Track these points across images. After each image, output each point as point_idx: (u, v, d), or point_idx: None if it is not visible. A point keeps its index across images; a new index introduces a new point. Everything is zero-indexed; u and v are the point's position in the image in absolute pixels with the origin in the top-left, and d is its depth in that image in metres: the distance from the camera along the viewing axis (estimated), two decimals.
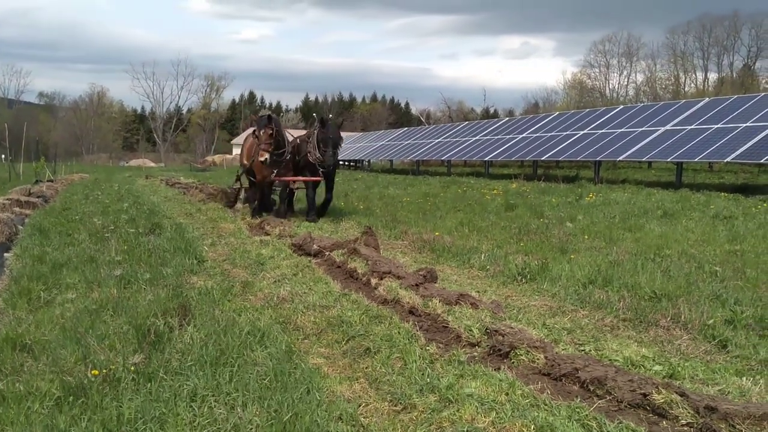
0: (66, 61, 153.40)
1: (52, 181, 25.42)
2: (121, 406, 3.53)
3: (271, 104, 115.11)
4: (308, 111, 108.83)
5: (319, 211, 12.88)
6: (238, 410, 3.48)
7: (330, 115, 13.04)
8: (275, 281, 6.85)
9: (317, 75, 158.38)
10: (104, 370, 3.98)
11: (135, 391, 3.77)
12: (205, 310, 5.42)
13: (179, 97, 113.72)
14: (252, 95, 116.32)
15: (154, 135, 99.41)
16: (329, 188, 12.90)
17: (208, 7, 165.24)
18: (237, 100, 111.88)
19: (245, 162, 13.85)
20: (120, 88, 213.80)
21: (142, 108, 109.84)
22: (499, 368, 4.22)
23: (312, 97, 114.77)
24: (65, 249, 8.61)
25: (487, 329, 4.91)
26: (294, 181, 13.25)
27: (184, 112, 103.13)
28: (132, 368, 4.06)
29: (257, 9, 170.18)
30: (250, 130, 14.49)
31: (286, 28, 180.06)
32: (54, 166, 33.84)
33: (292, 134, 14.07)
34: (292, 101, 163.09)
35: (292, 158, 12.78)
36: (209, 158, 66.96)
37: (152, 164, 69.78)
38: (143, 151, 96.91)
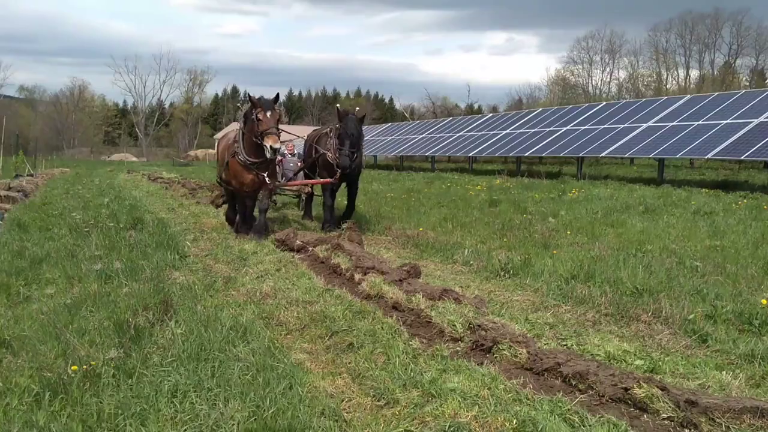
0: (46, 54, 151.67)
1: (32, 175, 25.12)
2: (101, 402, 3.50)
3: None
4: (292, 106, 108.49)
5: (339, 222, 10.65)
6: (220, 406, 3.46)
7: (356, 109, 11.43)
8: (258, 277, 6.83)
9: (301, 70, 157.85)
10: (84, 366, 3.95)
11: (115, 386, 3.74)
12: (187, 306, 5.39)
13: (161, 92, 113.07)
14: (235, 90, 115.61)
15: (136, 129, 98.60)
16: (351, 195, 10.90)
17: (189, 0, 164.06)
18: (220, 95, 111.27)
19: (221, 165, 10.62)
20: (101, 82, 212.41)
21: (124, 102, 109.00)
22: (481, 363, 4.23)
23: (296, 92, 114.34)
24: (45, 244, 8.52)
25: (470, 324, 4.92)
26: (306, 185, 11.74)
27: (167, 106, 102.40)
28: (112, 364, 4.03)
29: (241, 2, 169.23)
30: (229, 128, 13.32)
31: (271, 22, 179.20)
32: (34, 161, 33.47)
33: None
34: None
35: (307, 157, 11.30)
36: (192, 153, 66.54)
37: (134, 159, 69.26)
38: (125, 145, 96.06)
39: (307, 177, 11.65)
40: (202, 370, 3.93)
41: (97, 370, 3.92)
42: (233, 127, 11.96)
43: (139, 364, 4.04)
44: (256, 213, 9.84)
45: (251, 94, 8.91)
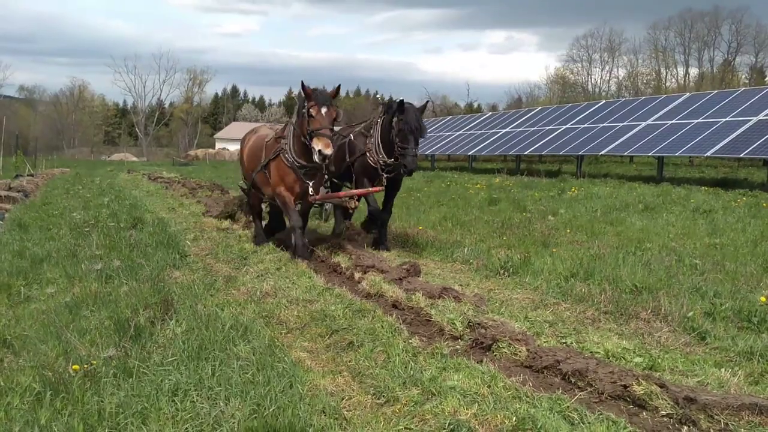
0: (46, 54, 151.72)
1: (32, 175, 25.12)
2: (102, 401, 3.51)
3: (254, 98, 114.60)
4: (291, 105, 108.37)
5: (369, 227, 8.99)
6: (221, 404, 3.47)
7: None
8: (258, 276, 6.84)
9: (301, 69, 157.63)
10: (85, 365, 3.96)
11: (116, 385, 3.75)
12: (188, 305, 5.39)
13: (161, 91, 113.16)
14: (235, 89, 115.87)
15: (136, 129, 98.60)
16: (388, 199, 8.84)
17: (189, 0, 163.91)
18: (220, 94, 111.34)
19: (248, 170, 8.85)
20: (101, 82, 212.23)
21: (124, 102, 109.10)
22: (481, 361, 4.24)
23: (295, 92, 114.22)
24: (46, 244, 8.53)
25: (469, 322, 4.93)
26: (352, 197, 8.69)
27: (167, 106, 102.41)
28: (113, 363, 4.05)
29: (240, 2, 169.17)
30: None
31: (270, 22, 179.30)
32: (34, 161, 33.49)
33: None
34: (275, 96, 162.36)
35: (340, 160, 8.83)
36: (192, 152, 66.54)
37: (134, 158, 69.28)
38: (125, 145, 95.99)
39: (333, 186, 9.38)
40: (203, 368, 3.94)
41: (97, 370, 3.93)
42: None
43: (140, 363, 4.04)
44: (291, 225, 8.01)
45: (305, 84, 7.34)
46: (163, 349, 4.38)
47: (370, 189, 8.40)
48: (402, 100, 7.97)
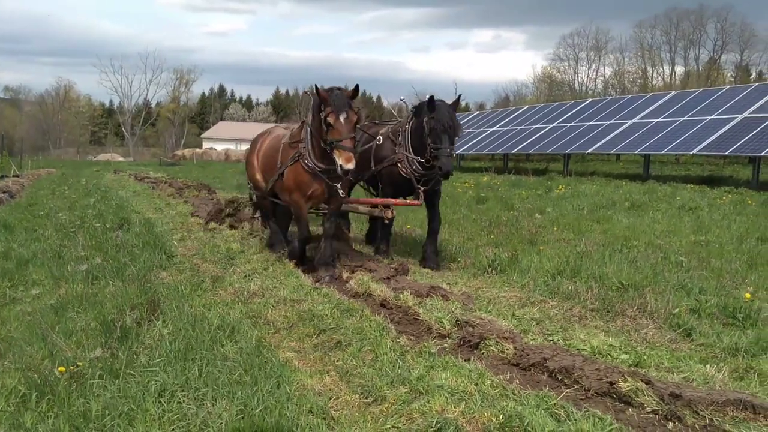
0: (31, 54, 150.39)
1: (18, 176, 24.93)
2: (88, 403, 3.50)
3: (241, 98, 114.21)
4: (279, 104, 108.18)
5: (429, 249, 7.77)
6: (208, 405, 3.47)
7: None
8: (246, 276, 6.82)
9: (288, 68, 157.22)
10: (71, 367, 3.94)
11: (102, 387, 3.73)
12: (174, 306, 5.37)
13: (148, 91, 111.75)
14: (222, 89, 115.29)
15: (123, 129, 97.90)
16: (433, 210, 7.85)
17: None
18: (207, 94, 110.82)
19: (259, 177, 8.16)
20: (87, 82, 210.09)
21: (110, 102, 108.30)
22: (469, 359, 4.25)
23: (283, 91, 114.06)
24: (31, 245, 8.48)
25: (457, 321, 4.95)
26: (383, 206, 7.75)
27: (153, 105, 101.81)
28: (99, 364, 4.03)
29: (228, 1, 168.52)
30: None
31: (258, 21, 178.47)
32: (20, 161, 33.23)
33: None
34: (262, 95, 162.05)
35: (364, 167, 7.89)
36: (179, 152, 66.21)
37: (121, 159, 68.87)
38: (111, 145, 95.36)
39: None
40: (190, 369, 3.92)
41: (83, 371, 3.91)
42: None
43: (126, 365, 4.03)
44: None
45: (318, 86, 6.57)
46: (149, 350, 4.37)
47: (409, 201, 7.70)
48: (432, 97, 7.19)
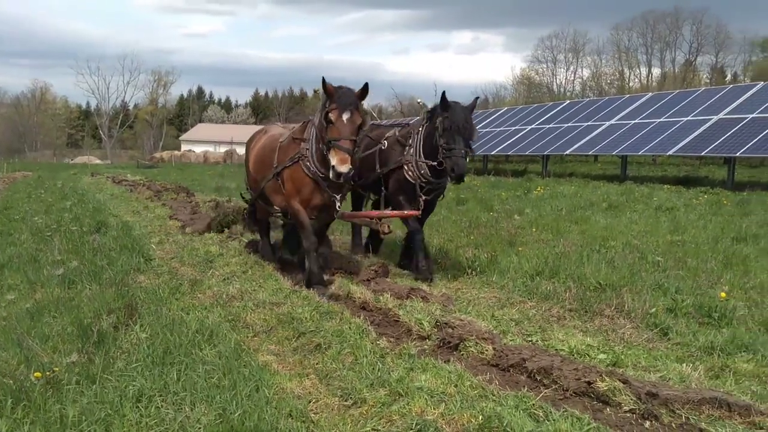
0: (6, 56, 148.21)
1: None
2: (64, 409, 3.45)
3: (220, 99, 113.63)
4: (258, 106, 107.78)
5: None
6: (186, 410, 3.44)
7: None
8: (224, 279, 6.78)
9: (268, 70, 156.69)
10: (47, 372, 3.89)
11: (79, 392, 3.69)
12: (152, 309, 5.33)
13: (125, 93, 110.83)
14: (201, 90, 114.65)
15: (100, 131, 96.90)
16: (424, 219, 7.56)
17: (153, 0, 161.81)
18: (185, 96, 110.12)
19: (256, 177, 7.51)
20: (64, 84, 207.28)
21: (87, 104, 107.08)
22: (448, 360, 4.26)
23: (262, 93, 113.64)
24: (6, 249, 8.37)
25: (437, 322, 4.97)
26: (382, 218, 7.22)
27: (131, 107, 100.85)
28: (76, 370, 3.98)
29: (207, 2, 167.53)
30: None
31: (237, 23, 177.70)
32: None
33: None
34: (241, 97, 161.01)
35: (368, 169, 7.42)
36: (157, 155, 65.67)
37: (98, 161, 68.12)
38: (89, 148, 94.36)
39: (356, 202, 8.34)
40: (168, 374, 3.89)
41: (60, 377, 3.87)
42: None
43: (103, 370, 3.99)
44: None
45: (327, 81, 5.98)
46: (127, 354, 4.32)
47: (405, 212, 7.04)
48: (444, 95, 6.70)
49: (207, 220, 10.43)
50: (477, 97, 7.47)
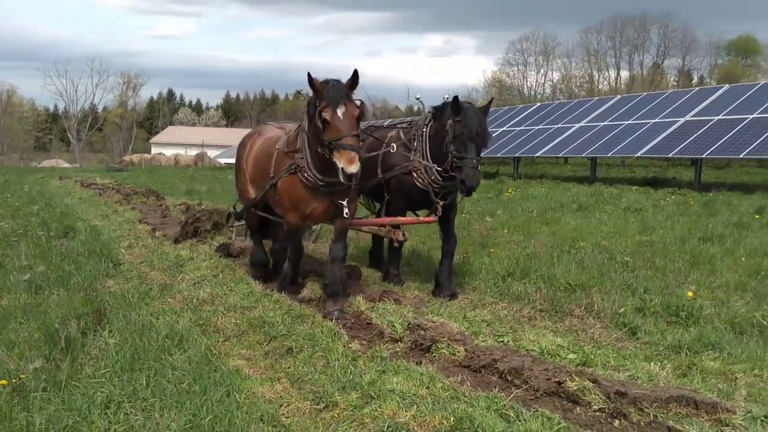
0: None
1: None
2: (31, 416, 3.40)
3: (191, 102, 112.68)
4: (230, 108, 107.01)
5: (443, 273, 6.54)
6: (156, 416, 3.41)
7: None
8: (195, 283, 6.71)
9: (239, 72, 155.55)
10: (13, 380, 3.83)
11: (46, 399, 3.63)
12: (121, 315, 5.26)
13: (94, 96, 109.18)
14: (171, 93, 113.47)
15: (68, 135, 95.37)
16: (448, 227, 6.72)
17: (123, 1, 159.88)
18: (155, 98, 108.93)
19: (251, 189, 6.95)
20: (31, 86, 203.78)
21: (55, 107, 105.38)
22: (420, 362, 4.27)
23: (233, 95, 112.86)
24: None
25: (409, 324, 4.97)
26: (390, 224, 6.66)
27: (100, 110, 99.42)
28: (43, 376, 3.92)
29: (174, 3, 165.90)
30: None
31: (207, 24, 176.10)
32: None
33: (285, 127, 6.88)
34: (213, 99, 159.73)
35: (369, 174, 6.61)
36: (127, 158, 64.86)
37: (66, 165, 67.10)
38: (57, 151, 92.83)
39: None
40: (137, 379, 3.85)
41: (26, 383, 3.80)
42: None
43: (71, 376, 3.93)
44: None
45: (313, 76, 5.43)
46: (95, 360, 4.27)
47: (422, 219, 6.68)
48: (456, 97, 6.07)
49: (179, 227, 10.02)
50: (492, 98, 7.15)
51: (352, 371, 4.08)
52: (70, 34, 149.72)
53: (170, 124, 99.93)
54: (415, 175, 6.42)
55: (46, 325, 4.89)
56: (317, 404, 3.71)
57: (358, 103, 5.48)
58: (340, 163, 5.19)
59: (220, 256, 7.99)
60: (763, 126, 17.12)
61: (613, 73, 73.51)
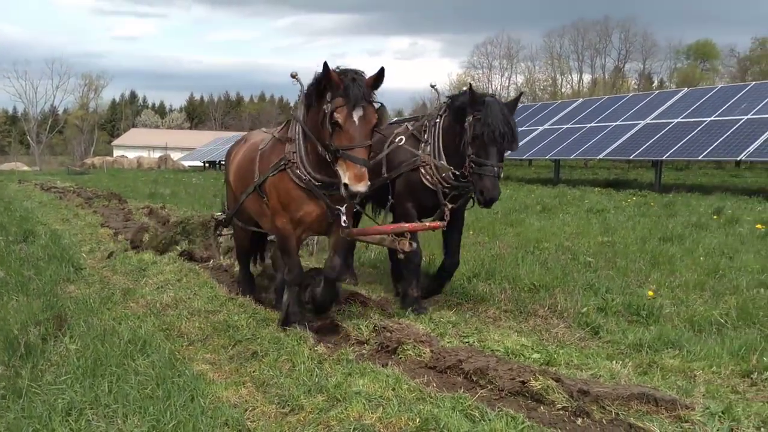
0: None
1: None
2: None
3: (153, 104, 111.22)
4: (193, 111, 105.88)
5: (431, 287, 6.16)
6: (118, 422, 3.36)
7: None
8: (158, 287, 6.63)
9: (203, 74, 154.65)
10: None
11: (5, 407, 3.56)
12: (82, 320, 5.17)
13: (54, 97, 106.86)
14: (133, 95, 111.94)
15: (28, 137, 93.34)
16: (454, 235, 5.96)
17: (84, 2, 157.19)
18: (117, 100, 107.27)
19: (236, 194, 6.00)
20: None
21: (14, 109, 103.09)
22: (386, 364, 4.28)
23: (197, 97, 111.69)
24: None
25: (375, 326, 4.98)
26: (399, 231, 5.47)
27: (60, 112, 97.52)
28: (2, 384, 3.84)
29: (136, 4, 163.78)
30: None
31: (170, 25, 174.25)
32: None
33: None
34: (176, 101, 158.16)
35: (373, 174, 5.05)
36: (88, 161, 63.73)
37: (26, 168, 65.73)
38: (16, 154, 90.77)
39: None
40: (99, 385, 3.79)
41: None
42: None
43: (31, 383, 3.86)
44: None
45: (328, 64, 4.46)
46: (56, 366, 4.20)
47: (428, 224, 5.61)
48: (471, 87, 5.26)
49: (143, 232, 9.51)
50: (521, 92, 5.71)
51: (317, 374, 4.07)
52: (29, 34, 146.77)
53: (133, 126, 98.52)
54: (422, 171, 5.52)
55: (5, 332, 4.79)
56: (283, 408, 3.69)
57: (378, 106, 4.59)
58: (345, 177, 4.35)
59: (184, 260, 7.90)
60: (721, 128, 17.53)
61: (575, 77, 74.55)
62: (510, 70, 77.72)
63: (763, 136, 16.05)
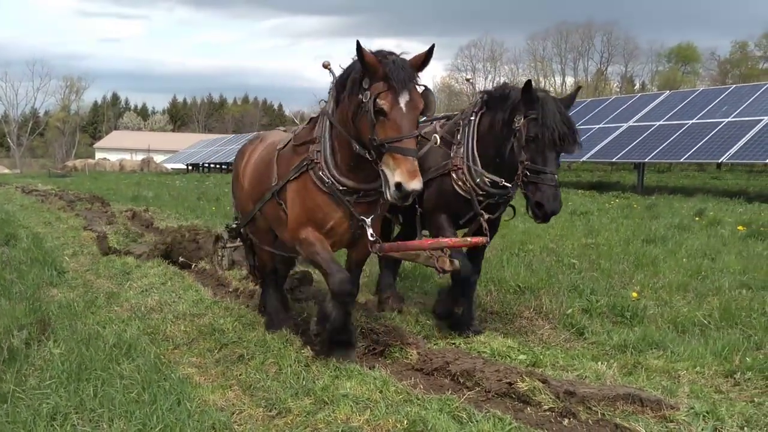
0: None
1: None
2: None
3: (136, 106, 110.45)
4: (176, 113, 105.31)
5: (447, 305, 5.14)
6: (104, 426, 3.34)
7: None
8: (143, 291, 6.59)
9: (185, 76, 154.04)
10: None
11: None
12: (66, 324, 5.13)
13: (35, 99, 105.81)
14: (115, 97, 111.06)
15: (8, 140, 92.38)
16: (478, 250, 5.29)
17: (64, 3, 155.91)
18: (99, 102, 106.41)
19: (249, 204, 5.28)
20: None
21: None
22: (373, 367, 4.28)
23: (180, 99, 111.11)
24: None
25: (362, 329, 4.98)
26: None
27: (42, 114, 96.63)
28: None
29: (120, 6, 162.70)
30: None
31: (153, 27, 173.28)
32: None
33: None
34: (159, 103, 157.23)
35: None
36: (70, 163, 63.20)
37: (6, 171, 65.05)
38: None
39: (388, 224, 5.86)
40: (84, 390, 3.76)
41: None
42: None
43: (15, 388, 3.81)
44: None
45: (365, 48, 3.84)
46: (40, 371, 4.16)
47: (470, 239, 4.89)
48: (529, 82, 4.49)
49: (105, 240, 9.21)
50: (579, 86, 5.43)
51: (305, 377, 4.07)
52: (9, 35, 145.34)
53: (115, 128, 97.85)
54: (454, 176, 4.87)
55: None
56: (270, 411, 3.68)
57: (424, 89, 3.94)
58: (396, 175, 3.66)
59: (169, 264, 7.86)
60: (703, 131, 17.72)
61: (558, 79, 75.00)
62: (494, 72, 78.11)
63: (743, 139, 16.24)
